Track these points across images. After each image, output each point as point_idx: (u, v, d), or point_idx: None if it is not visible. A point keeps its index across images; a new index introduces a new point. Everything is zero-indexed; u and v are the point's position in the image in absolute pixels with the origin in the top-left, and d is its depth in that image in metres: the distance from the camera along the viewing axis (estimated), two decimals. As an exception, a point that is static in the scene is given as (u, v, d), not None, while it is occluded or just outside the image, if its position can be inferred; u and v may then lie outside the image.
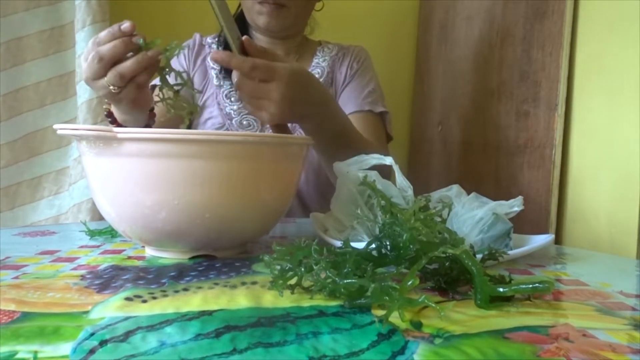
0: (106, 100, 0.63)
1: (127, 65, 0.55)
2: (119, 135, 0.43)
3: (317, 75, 0.93)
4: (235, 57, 0.57)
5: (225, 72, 0.91)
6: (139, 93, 0.59)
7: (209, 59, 0.94)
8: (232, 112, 0.89)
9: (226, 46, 0.92)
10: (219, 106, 0.90)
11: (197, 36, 0.96)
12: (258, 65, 0.57)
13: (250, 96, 0.60)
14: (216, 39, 0.95)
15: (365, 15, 1.40)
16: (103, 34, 0.55)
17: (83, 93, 1.05)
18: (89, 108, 1.05)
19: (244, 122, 0.89)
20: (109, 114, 0.67)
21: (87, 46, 0.57)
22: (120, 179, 0.45)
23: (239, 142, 0.45)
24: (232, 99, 0.90)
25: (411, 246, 0.37)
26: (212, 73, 0.92)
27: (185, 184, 0.44)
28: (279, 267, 0.38)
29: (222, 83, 0.91)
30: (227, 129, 0.88)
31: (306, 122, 0.67)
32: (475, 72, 1.07)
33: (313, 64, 0.95)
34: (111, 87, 0.56)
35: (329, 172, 0.79)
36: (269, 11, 0.84)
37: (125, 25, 0.54)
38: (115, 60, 0.55)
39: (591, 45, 0.76)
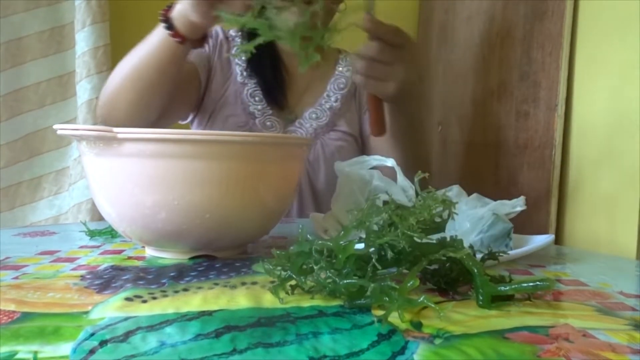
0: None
1: None
2: (119, 136, 0.43)
3: (341, 86, 0.93)
4: (385, 24, 0.60)
5: (252, 70, 0.90)
6: None
7: (232, 52, 0.92)
8: (255, 111, 0.87)
9: (250, 38, 0.90)
10: (243, 104, 0.88)
11: (218, 29, 0.93)
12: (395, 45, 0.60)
13: (373, 77, 0.63)
14: (240, 33, 0.93)
15: (365, 16, 1.40)
16: None
17: (83, 93, 1.05)
18: (89, 108, 1.05)
19: (267, 123, 0.87)
20: (165, 18, 0.66)
21: None
22: (120, 180, 0.45)
23: (239, 143, 0.45)
24: (257, 98, 0.88)
25: (409, 249, 0.37)
26: (237, 69, 0.90)
27: (185, 184, 0.44)
28: (279, 274, 0.38)
29: (246, 81, 0.89)
30: (250, 129, 0.86)
31: (403, 104, 0.70)
32: (475, 72, 1.07)
33: (337, 72, 0.94)
34: None
35: (403, 162, 0.79)
36: (294, 11, 0.83)
37: None
38: None
39: (591, 45, 0.76)
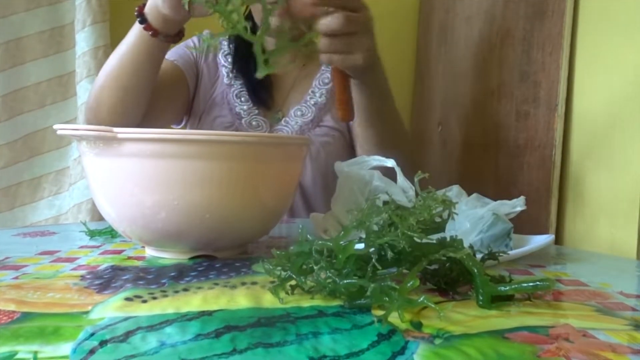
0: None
1: None
2: (119, 136, 0.43)
3: (325, 81, 0.93)
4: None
5: (237, 71, 0.91)
6: None
7: (219, 56, 0.93)
8: (242, 111, 0.89)
9: (237, 42, 0.91)
10: (229, 105, 0.90)
11: (206, 32, 0.95)
12: (351, 17, 0.57)
13: (342, 48, 0.59)
14: (227, 36, 0.94)
15: (365, 15, 1.40)
16: None
17: (83, 93, 1.05)
18: (89, 108, 1.05)
19: (253, 123, 0.88)
20: (140, 13, 0.67)
21: None
22: (120, 179, 0.45)
23: (238, 143, 0.45)
24: (243, 98, 0.90)
25: (409, 249, 0.37)
26: (223, 71, 0.92)
27: (185, 184, 0.44)
28: (279, 274, 0.38)
29: (232, 82, 0.91)
30: (236, 129, 0.88)
31: (370, 77, 0.67)
32: (475, 72, 1.07)
33: (322, 68, 0.95)
34: None
35: (375, 146, 0.78)
36: (278, 13, 0.83)
37: None
38: None
39: (591, 45, 0.76)
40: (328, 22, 0.57)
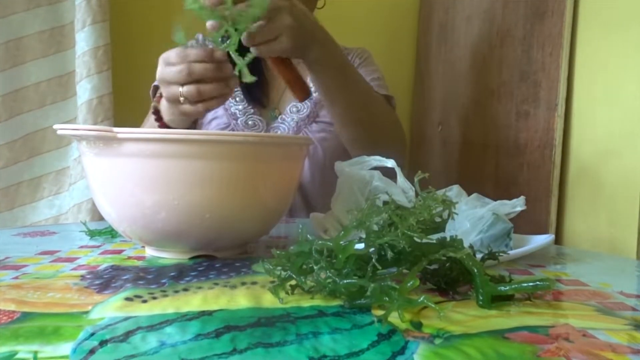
0: (158, 99, 0.65)
1: (199, 65, 0.57)
2: (119, 136, 0.43)
3: None
4: None
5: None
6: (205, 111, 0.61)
7: None
8: (237, 112, 0.89)
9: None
10: (224, 106, 0.90)
11: (199, 36, 0.96)
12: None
13: (262, 43, 0.60)
14: (219, 39, 0.94)
15: (365, 15, 1.40)
16: (196, 52, 0.58)
17: (83, 93, 1.05)
18: (89, 108, 1.05)
19: (249, 122, 0.88)
20: (156, 111, 0.69)
21: (172, 54, 0.59)
22: (120, 179, 0.45)
23: (239, 142, 0.45)
24: (237, 98, 0.90)
25: (409, 249, 0.37)
26: None
27: (185, 184, 0.44)
28: (279, 274, 0.38)
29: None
30: (232, 129, 0.88)
31: (313, 51, 0.67)
32: (475, 72, 1.07)
33: None
34: (183, 99, 0.59)
35: (344, 125, 0.77)
36: None
37: (219, 54, 0.58)
38: (199, 78, 0.58)
39: (591, 45, 0.76)
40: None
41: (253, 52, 0.60)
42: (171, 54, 0.59)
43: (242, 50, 0.56)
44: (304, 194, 0.89)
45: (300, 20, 0.62)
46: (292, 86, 0.66)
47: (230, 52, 0.55)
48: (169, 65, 0.59)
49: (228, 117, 0.89)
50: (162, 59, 0.61)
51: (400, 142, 0.84)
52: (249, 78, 0.54)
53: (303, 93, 0.67)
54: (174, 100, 0.61)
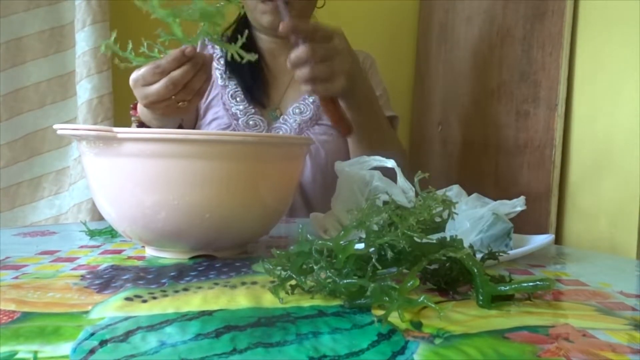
0: (143, 107, 0.65)
1: (178, 72, 0.57)
2: (119, 135, 0.43)
3: None
4: (305, 24, 0.58)
5: (231, 72, 0.91)
6: (193, 100, 0.62)
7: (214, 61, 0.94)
8: (238, 112, 0.89)
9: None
10: (225, 106, 0.90)
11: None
12: (320, 46, 0.59)
13: (315, 80, 0.62)
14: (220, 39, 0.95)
15: (365, 15, 1.40)
16: (168, 62, 0.57)
17: (83, 93, 1.05)
18: (89, 108, 1.05)
19: (250, 122, 0.88)
20: (140, 125, 0.70)
21: (144, 72, 0.59)
22: (120, 179, 0.45)
23: (239, 142, 0.45)
24: (238, 99, 0.90)
25: (409, 249, 0.37)
26: (217, 73, 0.92)
27: (185, 184, 0.44)
28: (279, 274, 0.38)
29: (227, 83, 0.91)
30: (233, 129, 0.88)
31: (356, 95, 0.70)
32: (475, 72, 1.07)
33: None
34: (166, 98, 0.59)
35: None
36: (272, 9, 0.83)
37: (189, 49, 0.57)
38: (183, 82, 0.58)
39: (591, 45, 0.76)
40: (297, 53, 0.59)
41: (306, 89, 0.63)
42: (144, 73, 0.59)
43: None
44: (304, 194, 0.89)
45: (356, 64, 0.64)
46: (338, 124, 0.70)
47: (228, 50, 0.54)
48: (147, 85, 0.59)
49: (229, 117, 0.89)
50: (134, 80, 0.60)
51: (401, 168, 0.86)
52: (249, 56, 0.54)
53: (348, 130, 0.70)
54: (154, 102, 0.61)
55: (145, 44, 0.52)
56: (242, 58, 0.54)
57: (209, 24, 0.53)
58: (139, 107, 0.66)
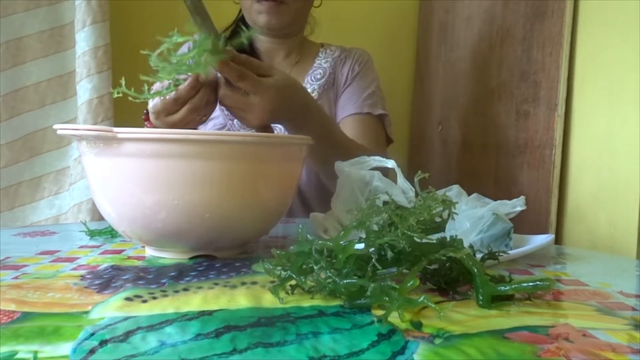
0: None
1: (197, 98, 0.58)
2: (119, 135, 0.43)
3: (318, 77, 0.93)
4: (228, 66, 0.56)
5: None
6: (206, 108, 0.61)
7: None
8: None
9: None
10: (220, 107, 0.90)
11: (197, 37, 0.96)
12: (246, 75, 0.57)
13: (233, 107, 0.61)
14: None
15: (365, 16, 1.40)
16: (186, 90, 0.57)
17: (83, 93, 1.05)
18: (89, 108, 1.05)
19: None
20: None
21: (167, 103, 0.58)
22: (120, 179, 0.45)
23: (238, 143, 0.45)
24: None
25: (409, 249, 0.37)
26: None
27: (185, 184, 0.44)
28: (279, 274, 0.38)
29: None
30: (228, 129, 0.88)
31: (285, 125, 0.69)
32: (475, 72, 1.07)
33: (315, 64, 0.95)
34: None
35: (322, 176, 0.80)
36: (268, 9, 0.84)
37: (202, 76, 0.57)
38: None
39: (591, 45, 0.76)
40: (227, 70, 0.57)
41: (225, 110, 0.62)
42: (166, 106, 0.58)
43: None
44: (301, 195, 0.90)
45: (274, 106, 0.60)
46: None
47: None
48: (170, 115, 0.59)
49: (224, 117, 0.89)
50: (156, 113, 0.59)
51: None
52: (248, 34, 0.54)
53: None
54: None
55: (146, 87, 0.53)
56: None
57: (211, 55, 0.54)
58: (152, 117, 0.65)
